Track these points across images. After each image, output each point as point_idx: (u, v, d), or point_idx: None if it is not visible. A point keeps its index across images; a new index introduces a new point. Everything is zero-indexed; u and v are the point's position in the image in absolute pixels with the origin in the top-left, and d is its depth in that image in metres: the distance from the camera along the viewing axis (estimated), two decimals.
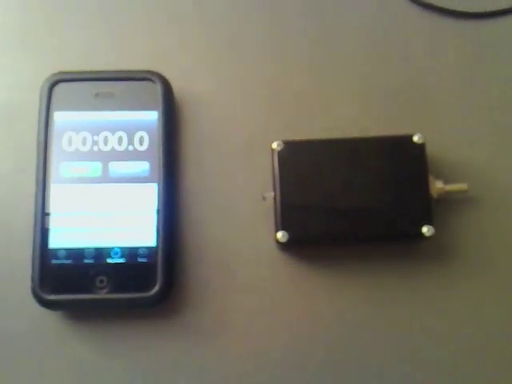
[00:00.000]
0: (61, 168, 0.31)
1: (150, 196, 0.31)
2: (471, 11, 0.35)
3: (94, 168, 0.31)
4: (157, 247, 0.30)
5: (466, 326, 0.30)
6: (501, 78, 0.34)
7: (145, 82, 0.32)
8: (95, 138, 0.31)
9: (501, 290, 0.31)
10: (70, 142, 0.31)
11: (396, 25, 0.35)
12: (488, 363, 0.30)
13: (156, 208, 0.30)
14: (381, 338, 0.30)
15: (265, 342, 0.30)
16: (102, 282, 0.29)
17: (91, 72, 0.32)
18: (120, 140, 0.31)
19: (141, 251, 0.30)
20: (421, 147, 0.30)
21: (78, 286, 0.29)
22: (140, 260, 0.30)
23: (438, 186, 0.30)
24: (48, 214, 0.30)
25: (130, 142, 0.31)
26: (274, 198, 0.30)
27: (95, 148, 0.31)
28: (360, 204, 0.29)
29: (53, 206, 0.30)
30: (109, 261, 0.30)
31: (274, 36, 0.35)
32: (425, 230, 0.29)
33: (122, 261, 0.30)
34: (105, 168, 0.31)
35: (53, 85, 0.32)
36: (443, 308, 0.30)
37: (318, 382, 0.30)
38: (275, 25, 0.35)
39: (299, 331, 0.30)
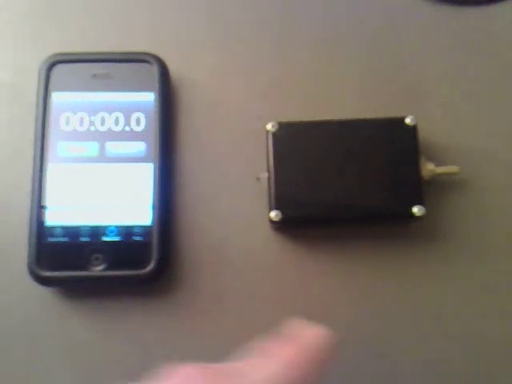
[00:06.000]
0: (58, 148, 0.31)
1: (146, 176, 0.31)
2: None
3: (91, 148, 0.31)
4: (152, 226, 0.30)
5: (455, 305, 0.31)
6: (493, 64, 0.34)
7: (142, 64, 0.32)
8: (92, 118, 0.32)
9: (490, 269, 0.31)
10: (67, 122, 0.32)
11: (390, 11, 0.35)
12: (477, 343, 0.30)
13: (152, 187, 0.31)
14: (372, 316, 0.30)
15: (258, 320, 0.30)
16: (97, 259, 0.30)
17: (89, 53, 0.33)
18: (117, 120, 0.32)
19: (136, 230, 0.30)
20: (413, 129, 0.30)
21: (74, 263, 0.30)
22: (135, 238, 0.30)
23: (429, 167, 0.30)
24: (45, 193, 0.30)
25: (127, 123, 0.32)
26: (269, 179, 0.30)
27: (92, 128, 0.32)
28: (352, 184, 0.30)
29: (50, 185, 0.31)
30: (104, 239, 0.30)
31: (271, 20, 0.35)
32: (415, 209, 0.29)
33: (117, 239, 0.30)
34: (102, 148, 0.31)
35: (51, 66, 0.32)
36: (432, 286, 0.31)
37: None
38: (273, 10, 0.35)
39: (293, 310, 0.30)
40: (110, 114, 0.32)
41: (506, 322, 0.30)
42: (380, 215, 0.30)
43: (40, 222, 0.30)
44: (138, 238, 0.30)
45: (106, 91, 0.32)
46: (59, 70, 0.32)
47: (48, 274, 0.30)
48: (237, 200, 0.32)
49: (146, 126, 0.32)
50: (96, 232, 0.30)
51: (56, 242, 0.30)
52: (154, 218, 0.30)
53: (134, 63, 0.32)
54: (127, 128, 0.32)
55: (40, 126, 0.31)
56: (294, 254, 0.31)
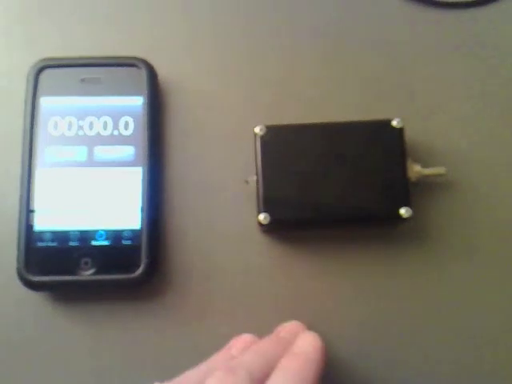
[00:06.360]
0: (46, 152, 0.31)
1: (135, 180, 0.31)
2: (452, 1, 0.35)
3: (80, 152, 0.31)
4: (141, 230, 0.30)
5: (442, 305, 0.31)
6: (480, 66, 0.34)
7: (130, 68, 0.32)
8: (81, 122, 0.32)
9: (477, 271, 0.31)
10: (55, 127, 0.32)
11: (378, 13, 0.35)
12: (465, 341, 0.30)
13: (141, 191, 0.31)
14: (360, 317, 0.31)
15: (248, 323, 0.30)
16: (86, 263, 0.30)
17: (77, 58, 0.33)
18: (105, 125, 0.32)
19: (125, 234, 0.30)
20: (399, 131, 0.30)
21: (63, 267, 0.30)
22: (124, 242, 0.30)
23: (416, 169, 0.31)
24: (34, 198, 0.31)
25: (116, 127, 0.32)
26: (257, 182, 0.30)
27: (81, 132, 0.32)
28: (340, 186, 0.30)
29: (38, 190, 0.31)
30: (94, 243, 0.30)
31: (258, 24, 0.35)
32: (402, 211, 0.29)
33: (106, 243, 0.30)
34: (90, 152, 0.31)
35: (39, 71, 0.32)
36: (420, 286, 0.31)
37: None
38: (259, 12, 0.35)
39: (282, 312, 0.31)
40: (99, 118, 0.32)
41: (494, 321, 0.31)
42: (367, 217, 0.30)
43: (29, 227, 0.30)
44: (127, 242, 0.30)
45: (95, 95, 0.32)
46: (47, 74, 0.32)
47: (37, 278, 0.30)
48: (226, 203, 0.32)
49: (134, 130, 0.32)
50: (85, 236, 0.30)
51: (45, 246, 0.30)
52: (142, 222, 0.30)
53: (122, 67, 0.32)
54: (116, 132, 0.32)
55: (28, 131, 0.31)
56: (283, 257, 0.31)
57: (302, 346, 0.25)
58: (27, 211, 0.30)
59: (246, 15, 0.35)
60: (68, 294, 0.31)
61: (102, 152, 0.31)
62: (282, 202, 0.30)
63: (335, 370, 0.30)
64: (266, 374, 0.23)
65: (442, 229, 0.32)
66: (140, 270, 0.30)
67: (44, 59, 0.32)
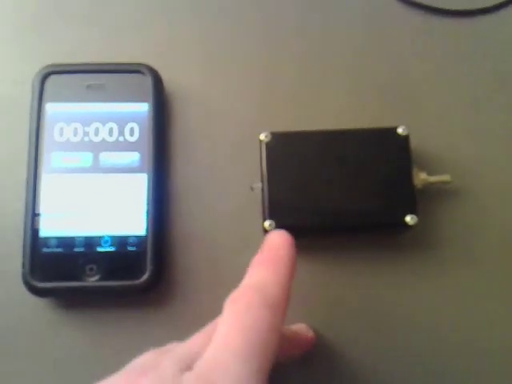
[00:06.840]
0: (52, 158, 0.31)
1: (140, 186, 0.31)
2: (457, 9, 0.36)
3: (85, 158, 0.31)
4: (146, 236, 0.30)
5: (448, 313, 0.31)
6: (485, 74, 0.34)
7: (135, 75, 0.32)
8: (86, 129, 0.32)
9: (482, 279, 0.31)
10: (61, 133, 0.32)
11: (383, 22, 0.36)
12: (471, 350, 0.30)
13: (146, 198, 0.31)
14: (366, 326, 0.31)
15: None
16: (91, 270, 0.30)
17: (83, 64, 0.33)
18: (111, 131, 0.32)
19: (130, 240, 0.30)
20: (405, 139, 0.30)
21: (68, 273, 0.30)
22: (129, 249, 0.30)
23: (421, 177, 0.31)
24: (39, 204, 0.31)
25: (121, 133, 0.32)
26: (262, 189, 0.30)
27: (86, 139, 0.32)
28: (345, 194, 0.30)
29: (44, 196, 0.31)
30: (99, 249, 0.30)
31: (264, 30, 0.35)
32: (408, 218, 0.29)
33: (111, 249, 0.30)
34: (95, 158, 0.31)
35: (45, 77, 0.32)
36: (425, 294, 0.31)
37: (306, 369, 0.30)
38: (266, 19, 0.35)
39: (286, 320, 0.30)
40: (104, 124, 0.32)
41: (500, 329, 0.31)
42: (373, 224, 0.30)
43: (34, 233, 0.30)
44: (132, 248, 0.30)
45: (100, 102, 0.32)
46: (53, 80, 0.32)
47: (42, 284, 0.30)
48: (231, 210, 0.32)
49: (139, 137, 0.32)
50: (90, 242, 0.30)
51: (50, 252, 0.30)
52: (148, 228, 0.30)
53: (127, 74, 0.32)
54: (121, 138, 0.32)
55: (34, 137, 0.31)
56: None
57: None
58: (33, 217, 0.30)
59: (252, 23, 0.35)
60: (73, 301, 0.31)
61: (108, 158, 0.31)
62: (287, 208, 0.30)
63: (338, 377, 0.30)
64: None
65: (448, 236, 0.32)
66: (145, 277, 0.30)
67: (49, 65, 0.33)
